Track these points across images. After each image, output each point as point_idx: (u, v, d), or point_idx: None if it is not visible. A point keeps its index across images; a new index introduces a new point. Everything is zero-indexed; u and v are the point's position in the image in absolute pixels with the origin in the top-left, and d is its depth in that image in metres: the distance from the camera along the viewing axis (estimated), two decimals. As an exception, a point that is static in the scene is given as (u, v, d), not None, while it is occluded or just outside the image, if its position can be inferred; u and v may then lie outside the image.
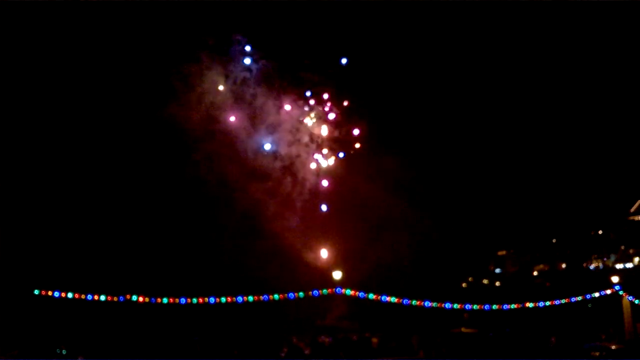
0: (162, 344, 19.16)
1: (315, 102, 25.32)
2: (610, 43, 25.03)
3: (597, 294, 25.13)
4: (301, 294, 22.63)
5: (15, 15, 21.32)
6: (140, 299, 21.09)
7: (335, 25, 24.03)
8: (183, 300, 21.42)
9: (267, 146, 24.76)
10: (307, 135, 25.15)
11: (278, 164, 24.84)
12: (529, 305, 24.97)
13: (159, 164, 23.39)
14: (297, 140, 25.00)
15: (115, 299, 21.05)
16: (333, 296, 23.45)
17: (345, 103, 25.54)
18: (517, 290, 29.37)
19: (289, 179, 24.93)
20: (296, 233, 24.20)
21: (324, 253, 24.43)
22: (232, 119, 24.37)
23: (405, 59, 24.97)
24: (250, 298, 21.98)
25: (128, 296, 20.99)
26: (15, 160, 21.74)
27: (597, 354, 18.72)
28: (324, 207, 24.84)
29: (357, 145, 25.55)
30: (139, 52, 22.94)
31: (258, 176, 24.55)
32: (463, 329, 24.76)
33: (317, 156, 25.26)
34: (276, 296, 22.35)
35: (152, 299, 21.25)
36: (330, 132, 25.38)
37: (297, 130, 24.97)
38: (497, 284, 31.68)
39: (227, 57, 24.04)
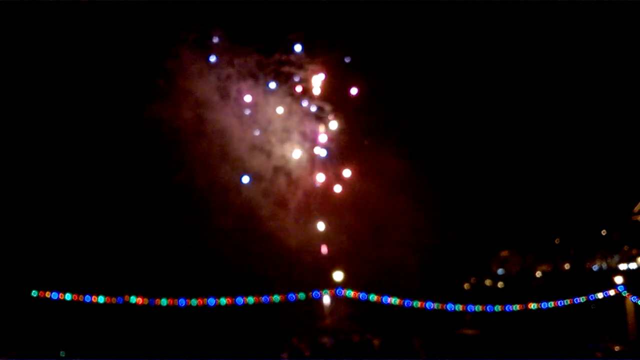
0: (161, 345, 19.11)
1: (308, 95, 25.11)
2: (610, 43, 24.93)
3: (600, 295, 25.03)
4: (302, 295, 22.58)
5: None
6: (139, 300, 21.09)
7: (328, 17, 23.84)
8: (182, 302, 21.40)
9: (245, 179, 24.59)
10: (304, 133, 24.99)
11: (275, 162, 24.72)
12: (532, 306, 24.88)
13: (156, 164, 23.31)
14: (294, 138, 24.86)
15: (114, 300, 21.04)
16: (334, 297, 23.40)
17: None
18: (520, 291, 29.25)
19: (287, 178, 24.83)
20: (296, 234, 24.11)
21: (324, 254, 24.37)
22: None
23: (410, 54, 24.83)
24: (250, 299, 21.93)
25: (126, 297, 20.97)
26: (12, 161, 21.68)
27: (601, 354, 18.60)
28: (323, 207, 24.66)
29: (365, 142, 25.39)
30: (119, 51, 22.67)
31: (255, 176, 24.46)
32: (465, 331, 24.66)
33: (316, 154, 25.11)
34: (276, 297, 22.30)
35: (151, 300, 21.22)
36: (327, 128, 25.25)
37: (293, 127, 24.81)
38: (500, 284, 31.54)
39: (209, 53, 23.69)
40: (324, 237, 24.59)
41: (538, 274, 31.56)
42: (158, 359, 17.02)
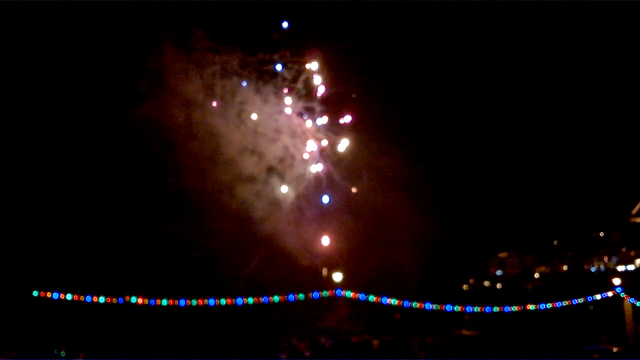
0: (162, 345, 19.13)
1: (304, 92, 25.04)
2: (610, 44, 24.99)
3: (598, 296, 25.10)
4: (301, 295, 22.61)
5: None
6: (140, 300, 21.11)
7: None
8: (182, 302, 21.42)
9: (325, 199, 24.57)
10: (300, 131, 24.96)
11: (273, 163, 24.73)
12: (530, 307, 24.94)
13: (157, 165, 23.33)
14: (293, 138, 24.87)
15: (115, 300, 21.05)
16: (333, 298, 23.43)
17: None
18: (519, 292, 29.30)
19: (286, 177, 24.84)
20: (296, 234, 24.14)
21: (324, 255, 24.40)
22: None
23: (409, 54, 24.84)
24: (250, 300, 21.96)
25: (127, 298, 20.99)
26: (14, 163, 21.70)
27: (598, 356, 18.66)
28: (324, 202, 24.62)
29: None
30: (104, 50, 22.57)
31: (254, 176, 24.48)
32: (464, 332, 24.70)
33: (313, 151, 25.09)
34: (276, 298, 22.33)
35: (152, 300, 21.24)
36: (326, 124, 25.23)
37: (288, 126, 24.79)
38: (498, 286, 31.59)
39: (196, 52, 23.63)
40: (324, 239, 24.62)
41: (536, 275, 31.62)
42: (159, 359, 17.05)
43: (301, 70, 24.71)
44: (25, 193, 22.30)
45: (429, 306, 23.71)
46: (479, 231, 28.21)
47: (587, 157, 26.96)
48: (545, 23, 24.58)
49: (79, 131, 22.96)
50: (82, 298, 21.20)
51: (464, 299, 25.92)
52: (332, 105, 25.16)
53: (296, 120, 25.02)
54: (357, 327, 24.31)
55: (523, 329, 23.43)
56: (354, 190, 24.97)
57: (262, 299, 21.95)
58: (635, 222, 29.80)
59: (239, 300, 21.76)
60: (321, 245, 24.38)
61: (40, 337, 19.91)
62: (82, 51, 22.42)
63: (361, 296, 23.12)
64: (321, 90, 24.83)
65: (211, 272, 23.58)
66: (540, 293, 27.21)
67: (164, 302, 21.31)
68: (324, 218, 24.79)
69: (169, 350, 18.40)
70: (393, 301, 23.40)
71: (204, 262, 23.70)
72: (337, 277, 23.79)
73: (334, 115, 25.17)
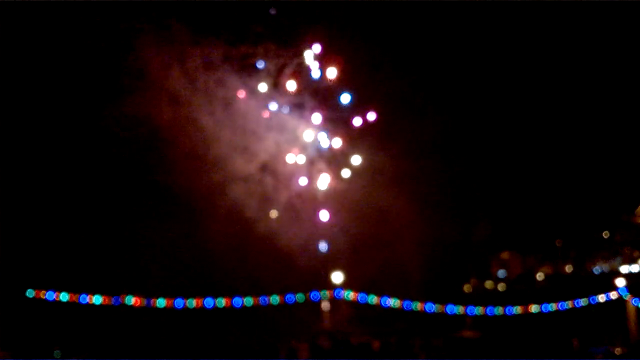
0: (158, 346, 19.00)
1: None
2: (610, 44, 24.81)
3: (602, 297, 24.95)
4: (300, 296, 22.47)
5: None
6: (136, 300, 20.99)
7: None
8: (179, 302, 21.31)
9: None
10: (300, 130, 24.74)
11: (271, 160, 24.51)
12: (533, 308, 24.79)
13: (150, 162, 23.14)
14: (291, 136, 24.63)
15: (110, 300, 20.95)
16: (333, 299, 23.28)
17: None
18: (521, 293, 29.13)
19: (285, 176, 24.64)
20: (295, 235, 23.95)
21: (323, 255, 24.22)
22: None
23: (407, 51, 24.60)
24: (248, 300, 21.82)
25: (123, 298, 20.88)
26: (6, 161, 21.52)
27: (601, 357, 18.50)
28: (323, 214, 24.44)
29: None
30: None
31: (252, 174, 24.29)
32: (465, 333, 24.53)
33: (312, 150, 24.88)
34: (275, 299, 22.19)
35: (148, 300, 21.13)
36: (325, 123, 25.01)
37: (288, 125, 24.59)
38: (501, 287, 31.37)
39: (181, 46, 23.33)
40: (323, 238, 24.43)
41: (539, 276, 31.39)
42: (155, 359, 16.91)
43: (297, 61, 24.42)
44: (20, 192, 22.12)
45: (430, 307, 23.56)
46: (481, 225, 27.96)
47: (590, 157, 26.74)
48: (550, 21, 24.38)
49: (70, 129, 22.75)
50: (77, 298, 21.12)
51: (465, 300, 25.78)
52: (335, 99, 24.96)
53: (295, 116, 24.81)
54: (357, 328, 24.15)
55: (525, 331, 23.27)
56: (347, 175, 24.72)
57: (260, 300, 21.84)
58: (639, 223, 29.57)
59: (237, 301, 21.64)
60: (320, 245, 24.20)
61: (35, 337, 19.80)
62: (62, 49, 22.11)
63: (361, 297, 22.97)
64: (332, 73, 24.37)
65: (209, 272, 23.40)
66: (543, 294, 27.03)
67: (161, 302, 21.21)
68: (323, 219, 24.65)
69: (166, 351, 18.26)
70: (394, 302, 23.25)
71: (201, 262, 23.52)
72: (337, 277, 23.62)
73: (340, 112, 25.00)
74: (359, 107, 24.93)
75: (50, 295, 21.37)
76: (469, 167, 25.82)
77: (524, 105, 26.12)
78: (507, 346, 19.24)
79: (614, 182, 26.91)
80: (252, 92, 24.06)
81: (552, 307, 24.84)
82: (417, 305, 23.60)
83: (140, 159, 23.09)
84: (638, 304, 24.45)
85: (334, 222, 24.49)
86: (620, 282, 25.12)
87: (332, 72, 24.27)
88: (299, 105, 24.58)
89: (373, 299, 23.14)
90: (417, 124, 24.83)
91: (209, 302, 22.00)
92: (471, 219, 27.89)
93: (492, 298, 28.16)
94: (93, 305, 21.60)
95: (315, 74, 24.33)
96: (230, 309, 22.13)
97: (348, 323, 24.35)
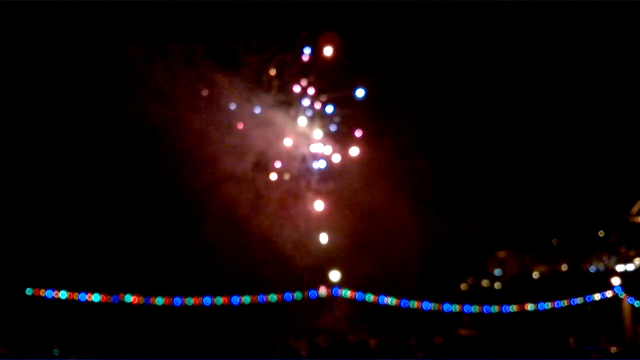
0: (156, 344, 19.04)
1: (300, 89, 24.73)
2: (610, 43, 24.86)
3: (597, 296, 25.07)
4: (298, 294, 22.53)
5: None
6: (134, 299, 21.02)
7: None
8: (178, 301, 21.34)
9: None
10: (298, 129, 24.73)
11: (269, 158, 24.53)
12: (529, 307, 24.89)
13: (148, 161, 23.16)
14: (289, 134, 24.62)
15: (109, 299, 20.98)
16: (330, 297, 23.34)
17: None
18: (517, 292, 29.25)
19: (283, 174, 24.67)
20: (292, 232, 24.00)
21: (320, 253, 24.27)
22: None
23: (405, 50, 24.59)
24: (246, 298, 21.87)
25: (122, 296, 20.92)
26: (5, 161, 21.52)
27: (596, 355, 18.62)
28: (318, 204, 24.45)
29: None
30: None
31: (250, 173, 24.32)
32: (462, 331, 24.63)
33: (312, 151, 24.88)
34: (273, 297, 22.24)
35: (146, 299, 21.16)
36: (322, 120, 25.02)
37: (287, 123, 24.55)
38: (497, 285, 31.50)
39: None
40: (321, 236, 24.48)
41: (535, 274, 31.52)
42: (153, 359, 16.95)
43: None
44: (18, 192, 22.14)
45: (427, 305, 23.64)
46: (477, 224, 28.06)
47: (586, 156, 26.82)
48: (547, 20, 24.40)
49: (68, 129, 22.75)
50: (75, 296, 21.15)
51: (462, 299, 25.87)
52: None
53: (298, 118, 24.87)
54: (355, 326, 24.23)
55: (522, 329, 23.37)
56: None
57: (258, 298, 21.88)
58: (635, 222, 29.67)
59: (235, 299, 21.69)
60: (318, 244, 24.24)
61: (33, 335, 19.82)
62: (55, 50, 22.02)
63: (358, 295, 23.04)
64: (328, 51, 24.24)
65: (207, 270, 23.45)
66: (539, 293, 27.16)
67: (159, 300, 21.25)
68: (321, 217, 24.70)
69: (164, 350, 18.31)
70: (391, 300, 23.32)
71: (199, 261, 23.57)
72: (334, 275, 23.68)
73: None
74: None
75: (49, 293, 21.41)
76: (465, 166, 25.90)
77: (519, 105, 26.16)
78: (504, 344, 19.38)
79: (609, 181, 27.00)
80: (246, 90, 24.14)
81: (548, 305, 24.95)
82: (414, 304, 23.68)
83: (138, 158, 23.11)
84: (633, 302, 24.55)
85: (330, 220, 24.57)
86: (616, 281, 25.24)
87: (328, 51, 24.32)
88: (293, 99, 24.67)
89: (370, 298, 23.21)
90: (413, 122, 24.88)
91: (207, 300, 22.05)
92: (467, 218, 27.98)
93: (489, 296, 28.27)
94: (92, 303, 21.62)
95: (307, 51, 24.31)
96: (228, 307, 22.17)
97: (345, 321, 24.43)
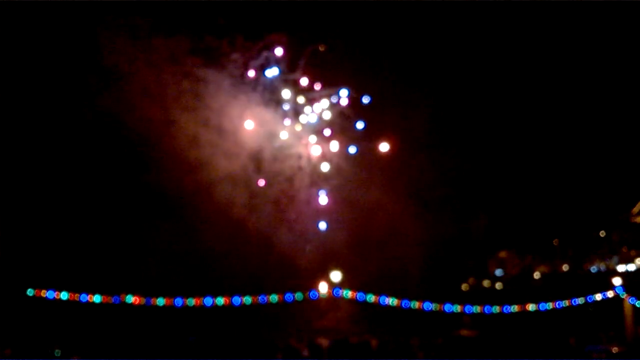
0: (158, 345, 19.02)
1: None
2: (610, 43, 24.87)
3: (598, 296, 25.03)
4: (299, 295, 22.52)
5: None
6: (135, 299, 21.02)
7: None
8: (179, 301, 21.34)
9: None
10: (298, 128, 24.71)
11: (268, 156, 24.53)
12: (530, 307, 24.86)
13: (148, 162, 23.15)
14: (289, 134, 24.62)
15: (110, 299, 20.97)
16: (332, 298, 23.34)
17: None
18: (519, 292, 29.22)
19: (283, 174, 24.67)
20: (294, 233, 24.02)
21: (321, 254, 24.27)
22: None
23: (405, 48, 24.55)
24: (248, 299, 21.86)
25: (123, 297, 20.91)
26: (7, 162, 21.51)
27: (597, 356, 18.58)
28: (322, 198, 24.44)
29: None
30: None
31: (250, 172, 24.32)
32: (463, 331, 24.61)
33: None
34: (274, 297, 22.24)
35: (148, 299, 21.16)
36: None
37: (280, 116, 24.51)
38: (498, 286, 31.46)
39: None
40: (322, 238, 24.49)
41: (536, 275, 31.49)
42: (154, 359, 16.94)
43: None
44: (20, 194, 22.14)
45: (428, 306, 23.62)
46: (478, 225, 28.05)
47: (587, 157, 26.83)
48: (549, 20, 24.42)
49: (68, 132, 22.74)
50: (77, 297, 21.15)
51: (463, 299, 25.84)
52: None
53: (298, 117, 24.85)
54: (356, 326, 24.22)
55: (523, 329, 23.35)
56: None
57: (259, 299, 21.88)
58: (636, 222, 29.66)
59: (236, 300, 21.68)
60: (319, 245, 24.26)
61: (35, 336, 19.83)
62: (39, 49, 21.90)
63: (359, 295, 23.03)
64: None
65: (208, 271, 23.45)
66: (540, 293, 27.12)
67: (160, 301, 21.24)
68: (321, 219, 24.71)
69: (165, 350, 18.30)
70: (392, 301, 23.31)
71: (200, 261, 23.58)
72: (335, 276, 23.68)
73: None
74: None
75: (50, 294, 21.42)
76: (467, 167, 25.90)
77: (521, 107, 26.20)
78: (505, 345, 19.35)
79: (610, 182, 27.01)
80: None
81: (549, 305, 24.92)
82: (415, 304, 23.67)
83: (139, 161, 23.15)
84: (635, 302, 24.52)
85: (331, 222, 24.59)
86: (617, 281, 25.19)
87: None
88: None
89: (371, 298, 23.20)
90: (415, 124, 24.90)
91: (208, 300, 22.05)
92: (469, 219, 28.00)
93: (490, 297, 28.25)
94: (93, 304, 21.63)
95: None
96: (229, 308, 22.17)
97: (347, 322, 24.44)
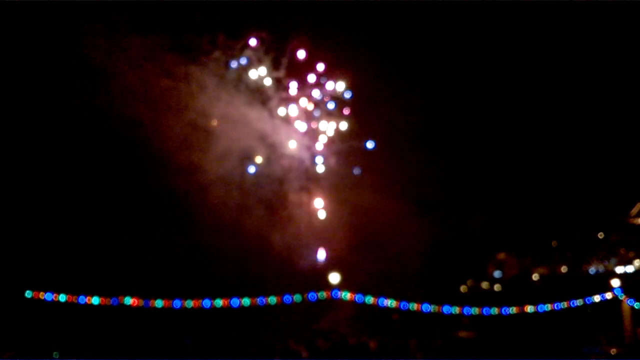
0: (156, 346, 19.02)
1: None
2: (610, 44, 24.87)
3: (597, 298, 25.05)
4: (298, 297, 22.51)
5: None
6: (134, 301, 21.00)
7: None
8: (178, 303, 21.32)
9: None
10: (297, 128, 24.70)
11: (267, 155, 24.51)
12: (529, 309, 24.88)
13: (146, 163, 23.13)
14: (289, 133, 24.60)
15: (108, 301, 20.95)
16: (330, 299, 23.33)
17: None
18: (517, 293, 29.24)
19: (283, 173, 24.66)
20: (292, 235, 24.01)
21: (321, 255, 24.25)
22: None
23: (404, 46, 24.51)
24: (246, 301, 21.85)
25: (121, 299, 20.89)
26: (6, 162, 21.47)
27: (596, 357, 18.58)
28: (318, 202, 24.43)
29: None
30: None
31: (248, 173, 24.30)
32: (462, 333, 24.61)
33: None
34: (272, 299, 22.23)
35: (146, 301, 21.14)
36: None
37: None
38: (497, 287, 31.49)
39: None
40: (320, 239, 24.48)
41: (535, 276, 31.50)
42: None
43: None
44: (18, 194, 22.11)
45: (426, 308, 23.63)
46: (477, 226, 28.05)
47: (585, 158, 26.83)
48: (548, 18, 24.41)
49: (68, 132, 22.72)
50: (75, 299, 21.14)
51: (461, 301, 25.86)
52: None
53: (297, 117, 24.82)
54: (354, 328, 24.20)
55: (521, 331, 23.36)
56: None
57: (257, 300, 21.86)
58: (634, 224, 29.68)
59: (235, 302, 21.66)
60: (318, 246, 24.25)
61: (33, 339, 19.80)
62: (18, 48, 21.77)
63: (358, 297, 23.03)
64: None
65: (206, 273, 23.44)
66: (539, 294, 27.14)
67: (159, 303, 21.23)
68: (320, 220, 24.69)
69: (163, 352, 18.29)
70: (390, 302, 23.31)
71: (198, 263, 23.56)
72: (334, 278, 23.67)
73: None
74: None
75: (48, 296, 21.40)
76: (465, 168, 25.91)
77: (520, 108, 26.20)
78: (503, 346, 19.35)
79: (609, 183, 27.02)
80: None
81: (548, 307, 24.94)
82: (414, 306, 23.67)
83: (137, 161, 23.11)
84: (633, 304, 24.54)
85: (329, 223, 24.57)
86: (616, 283, 25.22)
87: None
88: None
89: (370, 300, 23.20)
90: (413, 124, 24.88)
91: (206, 302, 22.04)
92: (467, 221, 27.99)
93: (488, 298, 28.27)
94: (91, 305, 21.61)
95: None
96: (227, 310, 22.16)
97: (345, 323, 24.42)
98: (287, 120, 24.61)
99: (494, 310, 24.48)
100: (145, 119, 22.53)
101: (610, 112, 26.01)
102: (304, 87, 24.78)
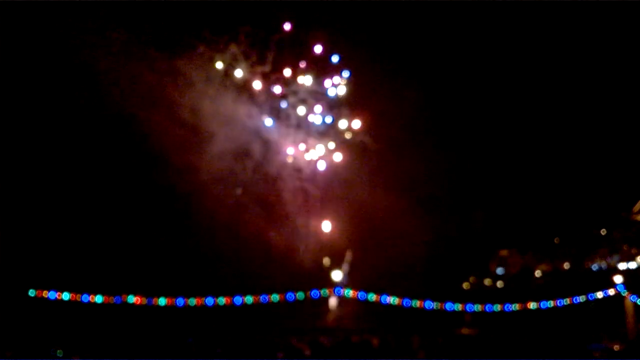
0: (159, 345, 19.03)
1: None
2: (610, 43, 24.86)
3: (600, 294, 25.05)
4: (300, 294, 22.54)
5: None
6: (137, 299, 21.04)
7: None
8: (181, 301, 21.35)
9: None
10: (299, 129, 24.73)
11: (269, 155, 24.52)
12: (532, 305, 24.88)
13: (150, 163, 23.17)
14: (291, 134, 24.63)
15: (112, 300, 20.99)
16: (333, 297, 23.37)
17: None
18: (520, 290, 29.22)
19: (284, 173, 24.67)
20: (295, 233, 24.03)
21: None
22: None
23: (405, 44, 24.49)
24: (249, 299, 21.87)
25: (124, 297, 20.93)
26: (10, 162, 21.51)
27: (599, 354, 18.58)
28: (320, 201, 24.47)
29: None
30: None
31: (251, 171, 24.34)
32: (464, 330, 24.64)
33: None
34: (275, 297, 22.25)
35: (149, 299, 21.17)
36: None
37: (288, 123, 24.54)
38: (499, 284, 31.48)
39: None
40: (324, 237, 24.50)
41: (538, 273, 31.49)
42: (156, 359, 16.94)
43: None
44: (21, 194, 22.15)
45: (429, 305, 23.64)
46: (479, 223, 28.04)
47: (588, 155, 26.82)
48: (550, 18, 24.40)
49: (70, 134, 22.74)
50: (79, 297, 21.18)
51: (464, 298, 25.87)
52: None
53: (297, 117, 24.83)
54: (357, 325, 24.23)
55: (524, 328, 23.37)
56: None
57: (260, 298, 21.89)
58: (637, 220, 29.65)
59: (238, 300, 21.69)
60: (321, 241, 24.26)
61: (36, 337, 19.83)
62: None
63: (360, 295, 23.05)
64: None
65: (209, 271, 23.47)
66: (541, 291, 27.13)
67: (162, 301, 21.26)
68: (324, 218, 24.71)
69: (166, 350, 18.30)
70: (393, 299, 23.32)
71: (202, 261, 23.60)
72: (337, 275, 23.71)
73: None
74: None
75: (52, 295, 21.45)
76: (468, 166, 25.91)
77: (522, 105, 26.20)
78: (506, 343, 19.35)
79: (612, 180, 27.00)
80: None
81: (551, 304, 24.94)
82: (417, 303, 23.69)
83: (140, 162, 23.16)
84: (636, 300, 24.54)
85: (331, 221, 24.59)
86: (618, 279, 25.22)
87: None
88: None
89: (372, 297, 23.23)
90: (418, 124, 24.91)
91: (209, 300, 22.07)
92: (470, 218, 27.99)
93: (491, 295, 28.27)
94: (95, 304, 21.65)
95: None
96: (231, 307, 22.19)
97: (348, 320, 24.46)
98: (286, 119, 24.66)
99: (497, 307, 24.48)
100: (153, 121, 22.61)
101: (612, 109, 26.00)
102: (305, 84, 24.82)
